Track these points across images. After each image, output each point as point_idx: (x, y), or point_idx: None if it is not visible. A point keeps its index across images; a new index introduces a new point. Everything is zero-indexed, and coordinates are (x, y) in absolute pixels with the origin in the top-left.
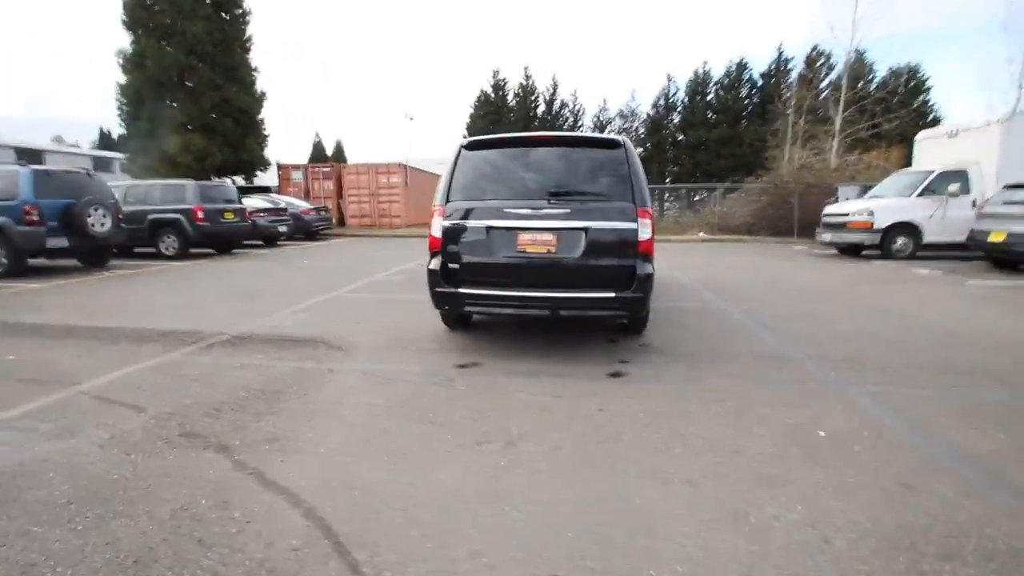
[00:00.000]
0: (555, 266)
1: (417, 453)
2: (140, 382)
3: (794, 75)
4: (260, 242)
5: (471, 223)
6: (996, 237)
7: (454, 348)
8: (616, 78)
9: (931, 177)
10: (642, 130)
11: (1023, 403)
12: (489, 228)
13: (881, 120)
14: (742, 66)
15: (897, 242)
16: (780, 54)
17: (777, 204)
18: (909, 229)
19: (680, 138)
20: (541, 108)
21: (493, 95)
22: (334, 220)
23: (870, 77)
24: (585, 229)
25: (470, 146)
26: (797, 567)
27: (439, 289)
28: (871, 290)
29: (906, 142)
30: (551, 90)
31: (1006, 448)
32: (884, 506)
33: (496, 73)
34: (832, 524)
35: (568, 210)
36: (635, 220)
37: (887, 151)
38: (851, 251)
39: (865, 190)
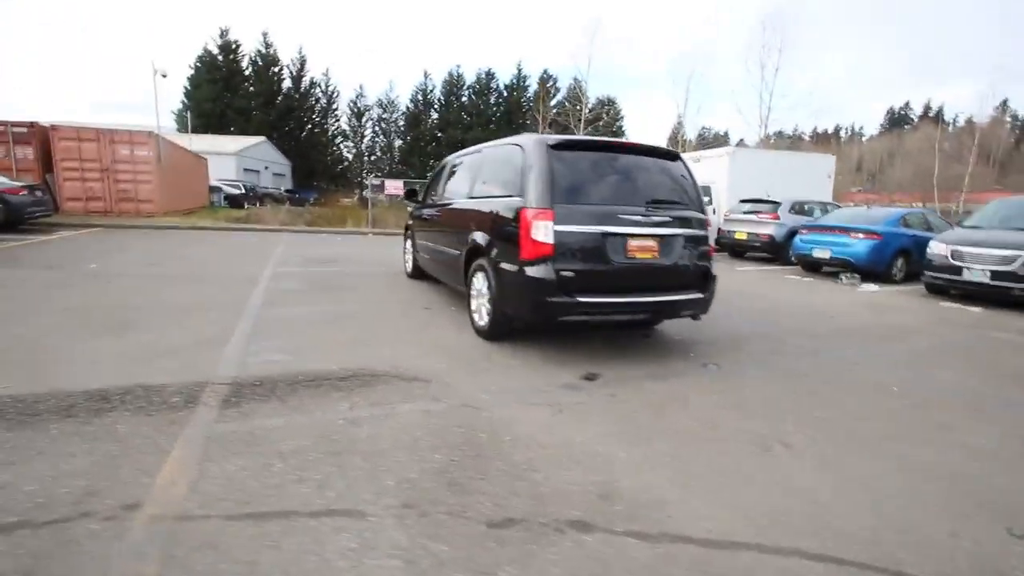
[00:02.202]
0: (657, 271)
1: (710, 475)
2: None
3: (531, 91)
4: None
5: (586, 229)
6: (739, 236)
7: (542, 361)
8: (373, 65)
9: None
10: (401, 122)
11: None
12: (605, 234)
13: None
14: (490, 75)
15: None
16: (520, 71)
17: None
18: None
19: (439, 135)
20: (287, 83)
21: (222, 58)
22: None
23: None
24: (680, 236)
25: (557, 145)
26: None
27: (552, 299)
28: None
29: None
30: (298, 65)
31: None
32: None
33: (224, 32)
34: None
35: (668, 217)
36: (706, 227)
37: None
38: None
39: None
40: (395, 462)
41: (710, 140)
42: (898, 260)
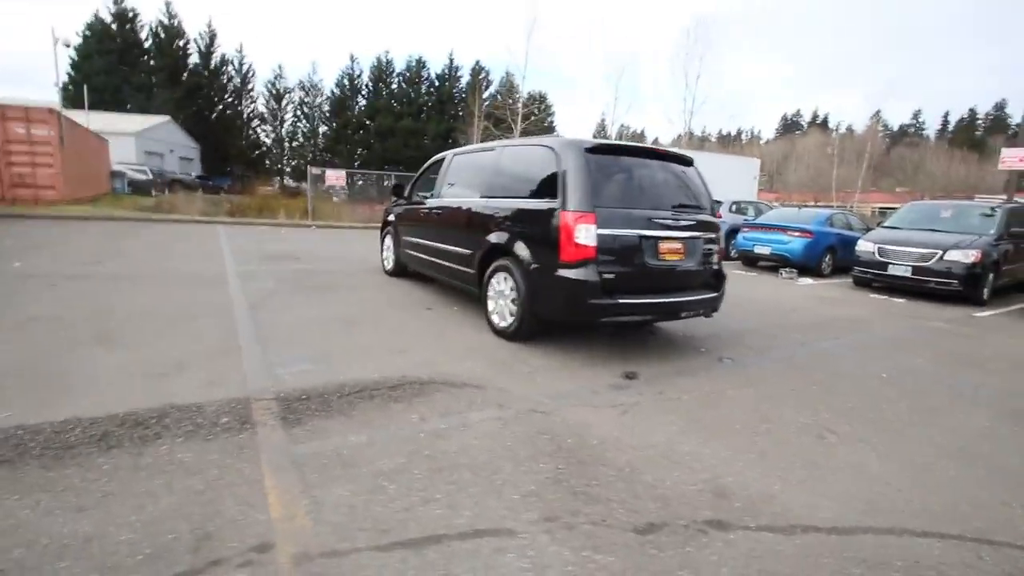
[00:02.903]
0: (683, 272)
1: (792, 466)
2: None
3: (464, 82)
4: None
5: (624, 232)
6: None
7: (576, 361)
8: (294, 45)
9: None
10: (326, 107)
11: None
12: (641, 237)
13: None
14: (421, 63)
15: None
16: (452, 61)
17: None
18: None
19: (367, 123)
20: (194, 59)
21: (116, 27)
22: None
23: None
24: (700, 238)
25: (593, 149)
26: None
27: (595, 301)
28: None
29: None
30: (207, 39)
31: None
32: None
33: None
34: None
35: (692, 221)
36: (717, 230)
37: None
38: None
39: None
40: (505, 475)
41: (627, 139)
42: (827, 256)
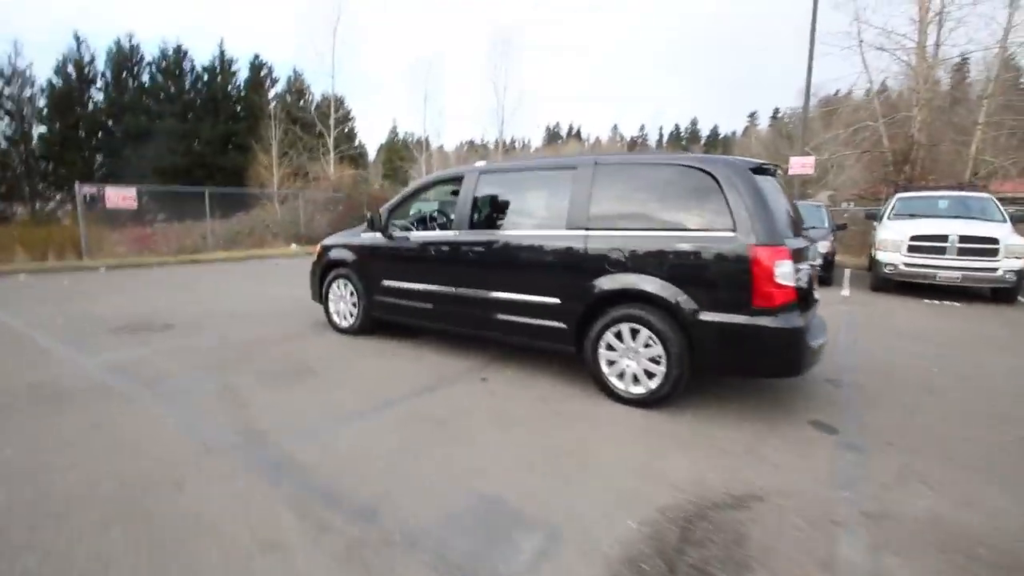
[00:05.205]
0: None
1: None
2: None
3: (241, 78)
4: None
5: (803, 266)
6: None
7: (766, 419)
8: None
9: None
10: (42, 102)
11: None
12: (811, 266)
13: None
14: (180, 51)
15: None
16: (223, 52)
17: (353, 214)
18: None
19: (110, 123)
20: None
21: None
22: None
23: (309, 98)
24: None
25: (755, 170)
26: None
27: (806, 348)
28: None
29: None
30: None
31: None
32: None
33: None
34: None
35: (808, 242)
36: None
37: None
38: None
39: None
40: None
41: (412, 145)
42: None
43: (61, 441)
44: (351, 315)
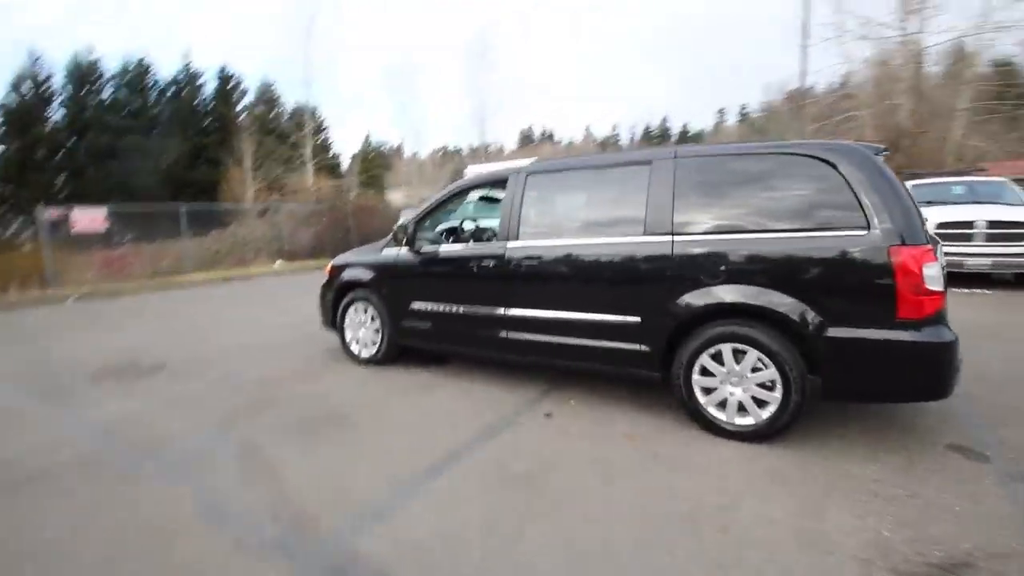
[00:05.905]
0: None
1: None
2: None
3: (208, 91)
4: None
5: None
6: None
7: (898, 443)
8: None
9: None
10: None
11: None
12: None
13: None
14: (143, 66)
15: None
16: (188, 66)
17: (337, 226)
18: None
19: (71, 142)
20: None
21: None
22: None
23: (281, 109)
24: None
25: (879, 153)
26: None
27: (954, 366)
28: None
29: None
30: None
31: None
32: None
33: None
34: None
35: None
36: None
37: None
38: None
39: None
40: None
41: (388, 153)
42: None
43: (38, 548)
44: (373, 343)
